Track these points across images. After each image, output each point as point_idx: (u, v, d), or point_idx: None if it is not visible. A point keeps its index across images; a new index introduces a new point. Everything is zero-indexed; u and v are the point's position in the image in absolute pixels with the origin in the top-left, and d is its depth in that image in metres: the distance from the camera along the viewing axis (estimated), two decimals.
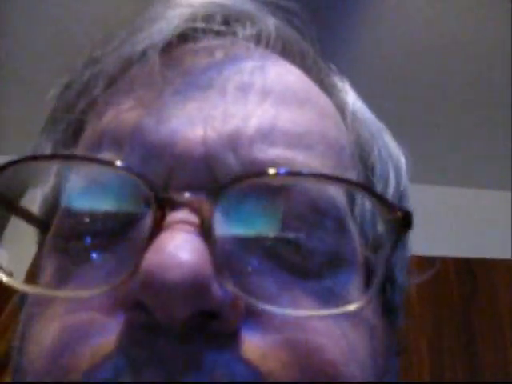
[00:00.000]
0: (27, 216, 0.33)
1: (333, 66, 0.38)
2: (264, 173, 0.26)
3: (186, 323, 0.23)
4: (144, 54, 0.31)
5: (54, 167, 0.34)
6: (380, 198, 0.27)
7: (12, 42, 1.73)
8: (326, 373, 0.25)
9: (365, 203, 0.32)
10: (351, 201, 0.31)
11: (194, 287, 0.22)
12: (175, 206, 0.25)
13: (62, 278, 0.28)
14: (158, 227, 0.24)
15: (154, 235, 0.24)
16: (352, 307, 0.27)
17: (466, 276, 1.65)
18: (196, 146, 0.27)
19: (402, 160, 0.37)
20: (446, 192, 1.94)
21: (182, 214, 0.25)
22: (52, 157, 0.32)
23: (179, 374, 0.23)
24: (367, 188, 0.29)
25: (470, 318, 1.56)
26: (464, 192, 1.95)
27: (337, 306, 0.27)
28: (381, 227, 0.30)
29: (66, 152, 0.33)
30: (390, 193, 0.35)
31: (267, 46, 0.34)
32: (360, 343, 0.28)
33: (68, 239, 0.29)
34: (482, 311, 1.58)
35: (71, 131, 0.34)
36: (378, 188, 0.34)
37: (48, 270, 0.30)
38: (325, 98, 0.34)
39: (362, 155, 0.35)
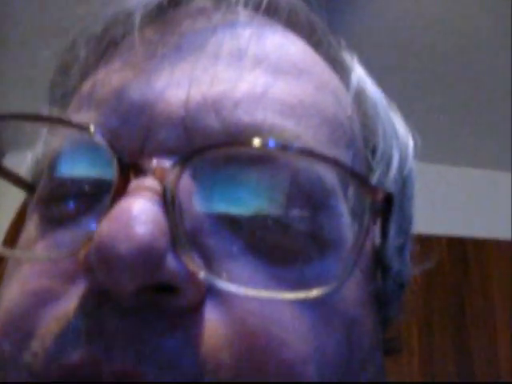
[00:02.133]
0: (12, 177, 0.32)
1: (342, 42, 0.36)
2: (247, 142, 0.24)
3: (137, 296, 0.22)
4: (132, 15, 0.30)
5: (42, 131, 0.33)
6: (359, 178, 0.26)
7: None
8: (280, 373, 0.23)
9: (347, 192, 0.29)
10: (345, 183, 0.28)
11: (143, 260, 0.21)
12: (140, 172, 0.24)
13: (35, 241, 0.27)
14: (118, 194, 0.23)
15: (114, 202, 0.23)
16: (315, 292, 0.24)
17: (458, 255, 1.64)
18: (176, 108, 0.26)
19: (409, 141, 0.36)
20: (442, 170, 1.92)
21: (145, 181, 0.24)
22: (24, 117, 0.29)
23: (115, 350, 0.22)
24: (346, 167, 0.27)
25: (461, 299, 1.56)
26: (461, 171, 1.93)
27: (306, 292, 0.24)
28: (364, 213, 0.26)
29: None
30: (392, 175, 0.33)
31: (269, 14, 0.32)
32: (331, 337, 0.25)
33: (47, 203, 0.28)
34: (473, 291, 1.57)
35: (66, 97, 0.33)
36: (378, 170, 0.32)
37: (25, 233, 0.29)
38: (329, 72, 0.32)
39: (366, 135, 0.33)
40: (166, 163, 0.24)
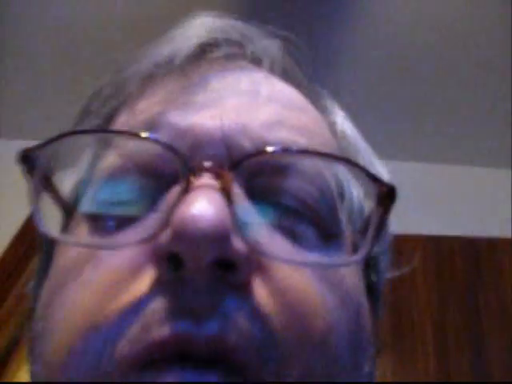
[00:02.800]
0: (57, 197, 0.36)
1: (324, 91, 0.44)
2: (264, 151, 0.31)
3: (208, 273, 0.27)
4: (171, 59, 0.38)
5: (87, 153, 0.39)
6: (368, 173, 0.32)
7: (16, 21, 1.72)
8: (312, 335, 0.29)
9: (352, 196, 0.38)
10: (340, 192, 0.36)
11: (219, 235, 0.27)
12: (201, 172, 0.30)
13: (94, 242, 0.32)
14: (186, 190, 0.29)
15: (182, 196, 0.28)
16: (346, 259, 0.34)
17: (470, 255, 1.64)
18: (215, 131, 0.33)
19: (384, 173, 0.42)
20: (449, 171, 1.92)
21: (206, 180, 0.29)
22: (93, 130, 0.38)
23: (204, 322, 0.26)
24: (357, 165, 0.33)
25: (475, 297, 1.56)
26: (467, 171, 1.93)
27: (328, 264, 0.33)
28: (367, 211, 0.35)
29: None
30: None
31: (270, 66, 0.40)
32: (347, 314, 0.32)
33: (100, 209, 0.33)
34: (486, 290, 1.58)
35: (102, 125, 0.39)
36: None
37: (76, 237, 0.34)
38: (318, 114, 0.40)
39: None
40: (221, 168, 0.30)
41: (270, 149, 0.31)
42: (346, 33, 1.69)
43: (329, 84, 0.44)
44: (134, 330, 0.27)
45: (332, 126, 0.41)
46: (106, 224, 0.32)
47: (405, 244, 1.62)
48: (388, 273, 0.42)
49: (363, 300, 0.35)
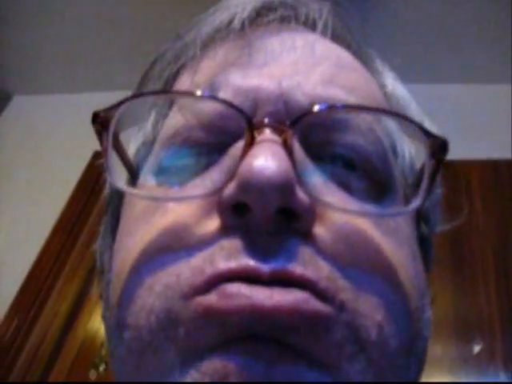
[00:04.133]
0: (125, 157, 0.37)
1: (374, 53, 0.45)
2: (324, 107, 0.33)
3: (274, 221, 0.29)
4: (230, 23, 0.40)
5: (151, 115, 0.41)
6: (421, 127, 0.32)
7: None
8: (379, 273, 0.31)
9: (405, 154, 0.39)
10: (393, 149, 0.38)
11: (284, 185, 0.28)
12: (262, 128, 0.31)
13: (162, 195, 0.34)
14: (250, 144, 0.30)
15: (247, 150, 0.30)
16: (401, 209, 0.36)
17: None
18: (273, 88, 0.34)
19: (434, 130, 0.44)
20: (506, 93, 1.84)
21: (269, 135, 0.31)
22: (161, 92, 0.41)
23: (271, 258, 0.28)
24: (410, 119, 0.34)
25: None
26: None
27: (384, 213, 0.34)
28: (417, 167, 0.36)
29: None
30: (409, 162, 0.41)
31: (321, 29, 0.41)
32: (405, 258, 0.33)
33: (166, 169, 0.35)
34: None
35: (165, 87, 0.41)
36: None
37: (146, 190, 0.36)
38: (369, 74, 0.41)
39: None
40: (281, 124, 0.32)
41: (323, 106, 0.32)
42: None
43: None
44: (198, 261, 0.29)
45: (382, 87, 0.42)
46: (171, 180, 0.34)
47: (461, 169, 1.59)
48: (439, 226, 0.43)
49: (416, 249, 0.37)
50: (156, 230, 0.31)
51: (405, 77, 0.45)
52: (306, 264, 0.28)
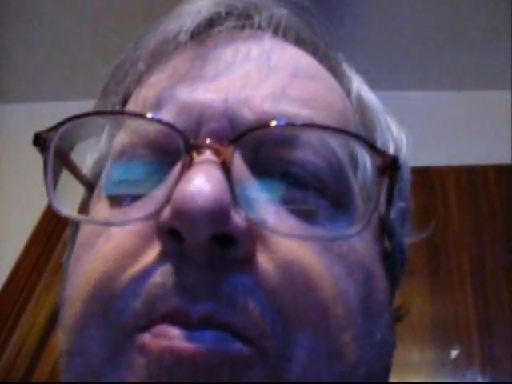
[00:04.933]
0: (77, 172, 0.38)
1: (341, 55, 0.43)
2: (267, 125, 0.32)
3: (209, 248, 0.28)
4: (177, 35, 0.38)
5: (105, 130, 0.41)
6: (370, 145, 0.32)
7: None
8: (317, 308, 0.30)
9: (366, 165, 0.37)
10: (353, 161, 0.36)
11: (217, 212, 0.27)
12: (201, 149, 0.31)
13: (109, 215, 0.34)
14: (187, 167, 0.30)
15: (183, 173, 0.29)
16: (346, 232, 0.33)
17: (505, 183, 1.61)
18: (219, 104, 0.33)
19: (403, 140, 0.43)
20: (480, 97, 1.86)
21: (206, 156, 0.30)
22: (101, 113, 0.40)
23: (200, 300, 0.28)
24: (359, 137, 0.33)
25: None
26: (500, 96, 1.87)
27: (331, 237, 0.33)
28: (374, 176, 0.34)
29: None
30: None
31: (280, 34, 0.39)
32: (353, 285, 0.32)
33: (115, 186, 0.35)
34: None
35: (120, 102, 0.40)
36: None
37: (95, 213, 0.36)
38: (333, 79, 0.40)
39: (365, 131, 0.40)
40: (222, 142, 0.31)
41: (273, 123, 0.32)
42: None
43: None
44: (139, 303, 0.29)
45: (347, 91, 0.41)
46: (121, 200, 0.34)
47: (437, 176, 1.61)
48: (408, 238, 0.43)
49: (375, 268, 0.35)
50: (100, 258, 0.31)
51: (373, 84, 0.44)
52: (236, 308, 0.28)
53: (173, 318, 0.28)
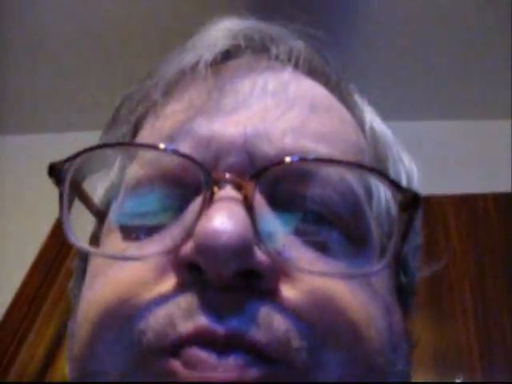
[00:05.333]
0: (89, 203, 0.38)
1: (352, 86, 0.44)
2: (283, 161, 0.32)
3: (232, 281, 0.28)
4: (195, 66, 0.38)
5: (117, 160, 0.40)
6: (392, 182, 0.32)
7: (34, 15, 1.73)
8: (350, 331, 0.30)
9: (380, 196, 0.37)
10: (368, 193, 0.36)
11: (240, 248, 0.28)
12: (223, 184, 0.31)
13: (122, 250, 0.34)
14: (208, 202, 0.30)
15: (205, 208, 0.29)
16: (369, 269, 0.33)
17: (507, 212, 1.61)
18: (238, 138, 0.33)
19: (415, 171, 0.43)
20: (478, 127, 1.88)
21: (228, 191, 0.30)
22: (119, 144, 0.39)
23: (226, 318, 0.28)
24: (380, 172, 0.34)
25: None
26: (498, 125, 1.88)
27: (352, 274, 0.33)
28: (394, 212, 0.34)
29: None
30: None
31: (296, 65, 0.39)
32: (378, 312, 0.32)
33: (129, 218, 0.35)
34: None
35: (131, 131, 0.40)
36: None
37: (107, 245, 0.35)
38: (346, 111, 0.40)
39: (378, 164, 0.40)
40: (242, 178, 0.31)
41: (288, 159, 0.32)
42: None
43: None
44: (161, 323, 0.29)
45: (360, 123, 0.41)
46: (135, 233, 0.34)
47: (437, 205, 1.61)
48: (421, 271, 0.43)
49: (392, 299, 0.36)
50: (114, 284, 0.31)
51: (386, 113, 0.45)
52: (262, 327, 0.28)
53: (199, 338, 0.28)
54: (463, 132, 1.87)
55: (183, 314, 0.28)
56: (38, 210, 1.86)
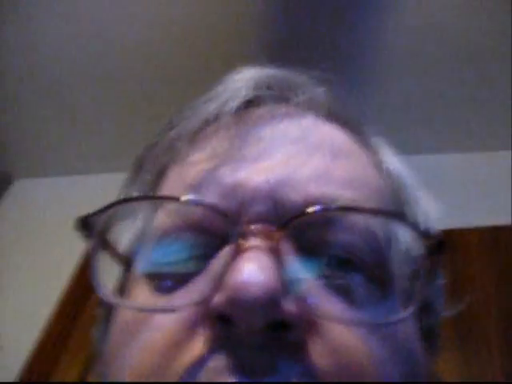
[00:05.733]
0: (114, 253, 0.38)
1: (370, 129, 0.45)
2: (307, 212, 0.32)
3: (262, 334, 0.29)
4: (219, 115, 0.39)
5: (142, 210, 0.40)
6: (416, 228, 0.33)
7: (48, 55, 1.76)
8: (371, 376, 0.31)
9: (399, 238, 0.37)
10: (389, 236, 0.36)
11: (270, 300, 0.28)
12: (251, 235, 0.31)
13: (151, 303, 0.34)
14: (236, 253, 0.30)
15: (234, 259, 0.30)
16: (395, 317, 0.34)
17: None
18: (262, 186, 0.34)
19: (432, 210, 0.43)
20: (498, 158, 1.86)
21: (256, 242, 0.31)
22: (145, 198, 0.40)
23: (261, 377, 0.28)
24: (404, 217, 0.35)
25: None
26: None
27: (380, 323, 0.33)
28: (414, 253, 0.35)
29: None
30: None
31: (316, 111, 0.41)
32: (400, 365, 0.33)
33: (156, 267, 0.35)
34: None
35: (155, 181, 0.41)
36: None
37: (136, 296, 0.36)
38: (366, 154, 0.41)
39: (397, 206, 0.41)
40: (269, 229, 0.32)
41: (312, 209, 0.33)
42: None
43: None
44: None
45: (379, 165, 0.42)
46: (162, 283, 0.34)
47: (460, 238, 1.59)
48: (444, 312, 0.43)
49: (417, 345, 0.36)
50: (149, 350, 0.32)
51: (400, 148, 0.45)
52: None
53: None
54: (483, 164, 1.86)
55: (221, 377, 0.29)
56: (63, 252, 1.88)
